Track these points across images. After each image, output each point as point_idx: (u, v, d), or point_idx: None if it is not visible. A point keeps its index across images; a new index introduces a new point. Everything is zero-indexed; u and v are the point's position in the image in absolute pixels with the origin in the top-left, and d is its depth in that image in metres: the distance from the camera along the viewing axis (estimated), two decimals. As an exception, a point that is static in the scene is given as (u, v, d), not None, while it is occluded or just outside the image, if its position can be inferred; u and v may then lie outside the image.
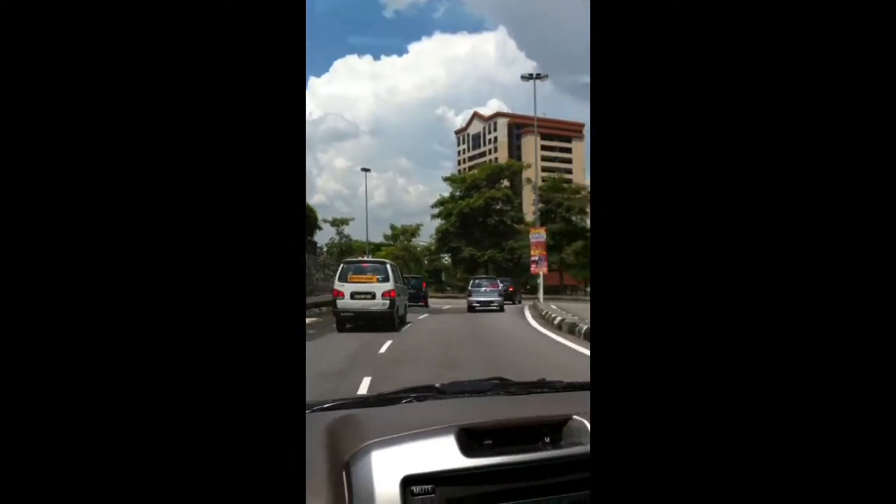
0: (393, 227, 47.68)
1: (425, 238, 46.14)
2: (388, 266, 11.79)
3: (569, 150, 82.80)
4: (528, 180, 40.35)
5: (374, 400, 1.21)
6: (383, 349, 8.85)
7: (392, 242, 46.99)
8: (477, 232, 40.08)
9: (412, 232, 44.52)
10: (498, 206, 40.43)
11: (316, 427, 0.89)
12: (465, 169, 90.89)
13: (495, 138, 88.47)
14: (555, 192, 39.89)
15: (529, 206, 41.35)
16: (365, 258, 19.03)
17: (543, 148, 62.24)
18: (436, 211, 42.83)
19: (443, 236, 41.37)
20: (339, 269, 11.74)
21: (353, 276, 11.30)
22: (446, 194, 42.14)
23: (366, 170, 34.79)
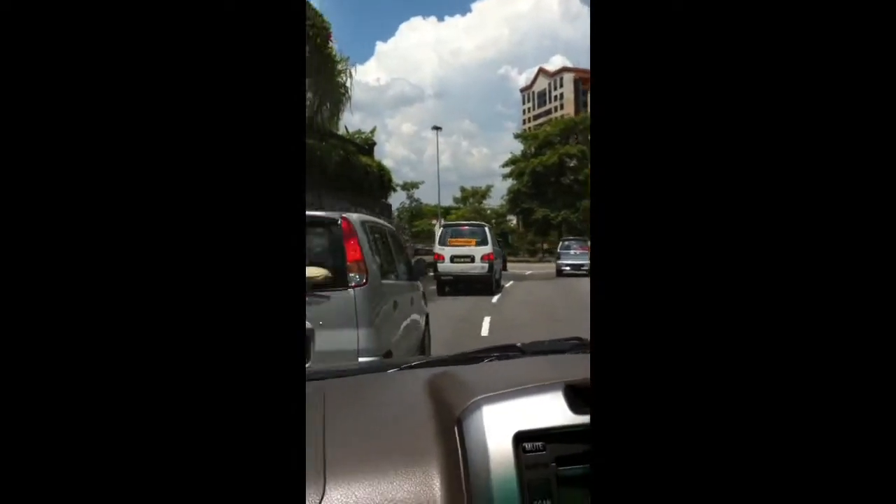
0: (462, 190, 46.21)
1: (495, 200, 44.43)
2: (486, 229, 11.45)
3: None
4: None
5: (460, 358, 1.23)
6: (485, 330, 7.61)
7: (461, 205, 45.56)
8: (550, 191, 37.94)
9: (482, 194, 42.80)
10: (572, 164, 37.98)
11: (414, 384, 0.97)
12: (530, 128, 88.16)
13: (561, 94, 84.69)
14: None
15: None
16: (463, 221, 18.37)
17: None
18: (506, 171, 40.91)
19: (514, 197, 39.44)
20: (439, 232, 11.62)
21: (453, 239, 11.11)
22: (511, 154, 40.17)
23: (437, 128, 33.11)
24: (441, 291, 10.82)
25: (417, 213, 39.66)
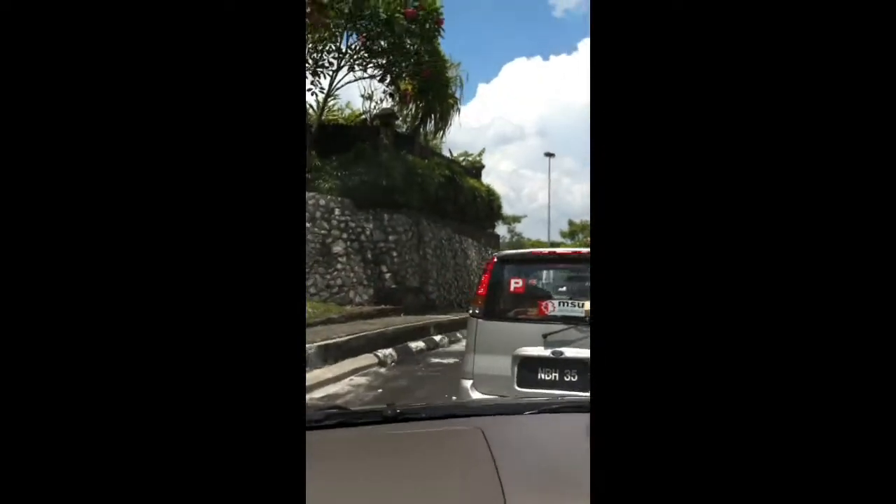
0: (571, 224, 41.77)
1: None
2: None
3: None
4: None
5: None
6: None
7: (569, 240, 41.11)
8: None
9: (598, 226, 38.21)
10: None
11: (574, 428, 0.99)
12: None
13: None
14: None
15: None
16: None
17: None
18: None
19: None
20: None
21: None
22: None
23: (549, 154, 29.46)
24: None
25: (520, 248, 35.78)
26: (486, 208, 18.35)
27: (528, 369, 2.80)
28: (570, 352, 2.72)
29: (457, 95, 16.14)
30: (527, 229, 38.62)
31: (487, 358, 2.85)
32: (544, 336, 2.77)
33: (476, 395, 2.80)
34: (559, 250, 3.93)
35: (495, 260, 3.10)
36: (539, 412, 1.19)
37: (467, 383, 2.91)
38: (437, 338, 9.42)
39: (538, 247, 39.62)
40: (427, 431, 1.10)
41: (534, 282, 3.10)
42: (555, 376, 2.74)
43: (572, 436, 0.97)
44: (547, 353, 2.76)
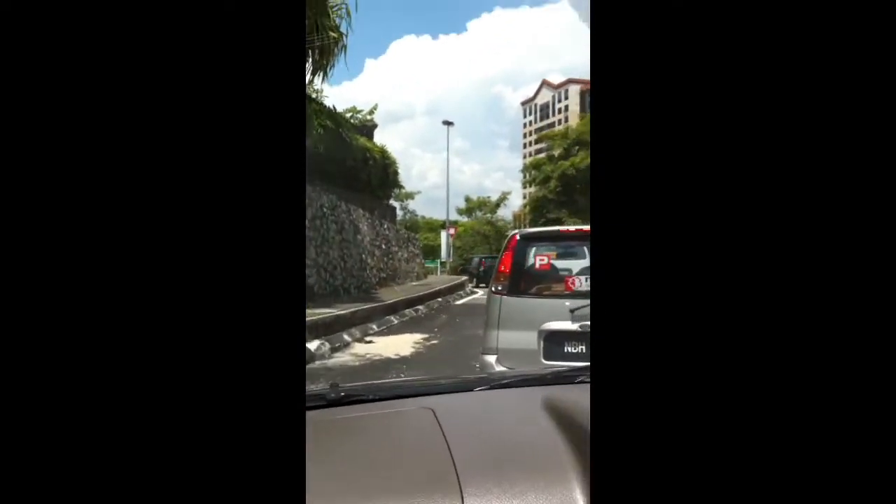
0: (468, 200, 39.38)
1: (507, 211, 37.67)
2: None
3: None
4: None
5: (552, 378, 1.24)
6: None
7: (467, 217, 38.78)
8: (582, 200, 31.14)
9: (499, 201, 35.89)
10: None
11: (527, 403, 0.98)
12: (531, 142, 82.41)
13: (566, 107, 78.69)
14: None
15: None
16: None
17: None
18: (526, 177, 34.16)
19: (538, 206, 32.60)
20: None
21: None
22: (501, 174, 33.39)
23: (448, 123, 26.42)
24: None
25: (413, 226, 32.99)
26: (381, 174, 14.92)
27: (554, 343, 2.91)
28: None
29: (342, 30, 12.47)
30: (419, 207, 35.52)
31: (512, 333, 2.93)
32: (571, 311, 2.85)
33: (501, 369, 2.83)
34: (583, 227, 3.64)
35: (517, 238, 3.13)
36: (490, 388, 1.16)
37: (491, 358, 2.96)
38: (313, 346, 6.05)
39: (433, 225, 37.27)
40: (375, 413, 1.06)
41: (560, 258, 3.18)
42: (581, 349, 2.86)
43: (525, 410, 0.96)
44: (574, 326, 2.86)
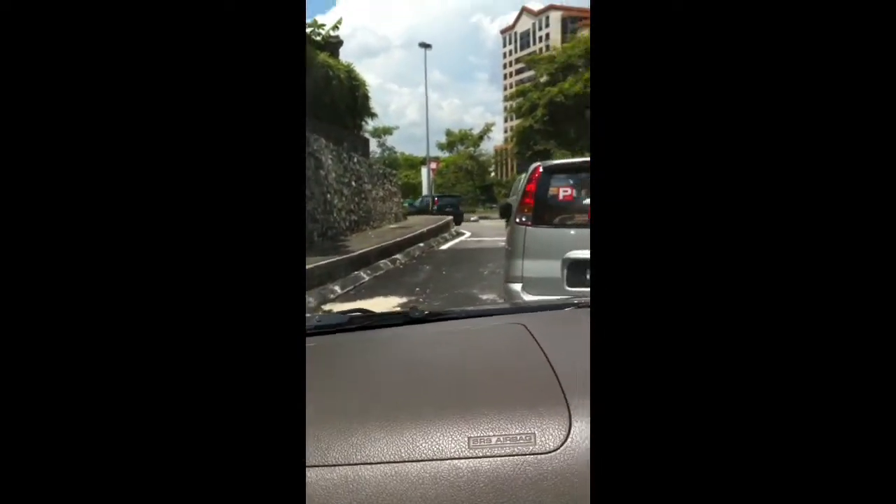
0: (449, 133, 36.69)
1: (489, 144, 35.24)
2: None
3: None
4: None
5: (545, 305, 1.22)
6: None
7: (448, 152, 36.27)
8: (572, 129, 28.81)
9: (482, 134, 33.31)
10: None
11: (518, 332, 0.93)
12: (511, 73, 78.52)
13: (547, 35, 74.41)
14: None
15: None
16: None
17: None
18: (510, 105, 31.50)
19: (524, 137, 30.19)
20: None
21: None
22: (479, 110, 30.74)
23: (425, 45, 23.58)
24: None
25: (392, 163, 30.59)
26: (348, 98, 12.50)
27: (578, 271, 2.94)
28: None
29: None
30: (398, 144, 32.98)
31: (537, 262, 2.99)
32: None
33: (527, 297, 2.95)
34: None
35: (541, 170, 3.13)
36: (577, 307, 1.12)
37: (517, 286, 3.02)
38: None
39: (413, 161, 34.90)
40: (465, 328, 1.04)
41: (582, 189, 3.09)
42: None
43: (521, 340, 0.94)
44: None
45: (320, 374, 0.77)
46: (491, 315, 1.12)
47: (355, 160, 11.80)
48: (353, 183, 11.45)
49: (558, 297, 1.28)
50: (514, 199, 14.99)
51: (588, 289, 2.29)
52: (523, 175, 17.11)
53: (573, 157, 27.92)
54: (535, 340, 0.84)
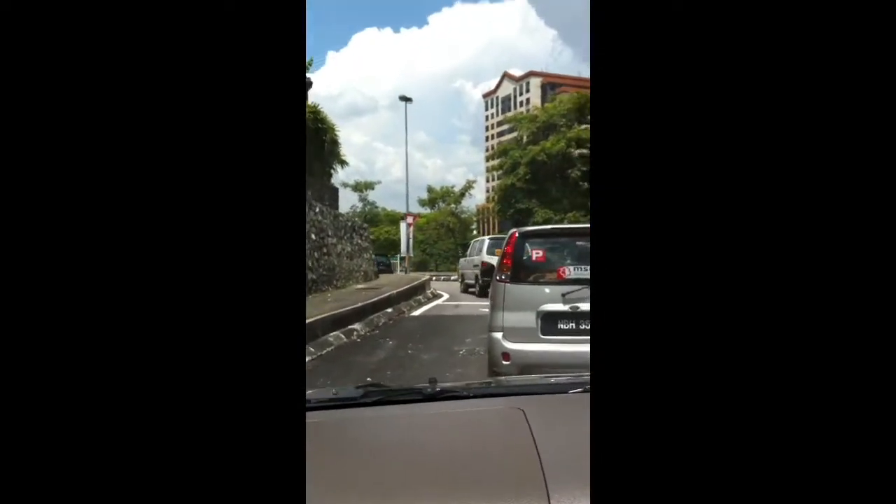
0: (430, 190, 35.76)
1: (470, 201, 34.34)
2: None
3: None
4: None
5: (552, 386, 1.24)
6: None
7: (429, 208, 35.21)
8: (554, 188, 27.96)
9: (463, 191, 32.33)
10: (582, 152, 28.05)
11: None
12: (493, 136, 79.46)
13: (527, 100, 75.86)
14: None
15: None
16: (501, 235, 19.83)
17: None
18: (491, 164, 30.75)
19: (506, 195, 29.21)
20: (485, 243, 12.84)
21: (498, 250, 11.68)
22: (462, 170, 30.16)
23: (405, 99, 22.78)
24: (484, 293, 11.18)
25: (372, 219, 29.29)
26: (313, 140, 11.18)
27: (549, 322, 3.43)
28: (584, 306, 3.39)
29: None
30: (380, 199, 32.05)
31: (515, 314, 3.44)
32: (563, 295, 3.40)
33: (507, 344, 3.40)
34: (574, 226, 5.16)
35: (517, 235, 3.61)
36: (584, 391, 1.11)
37: (498, 335, 3.46)
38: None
39: (395, 217, 33.91)
40: (466, 410, 1.08)
41: (553, 251, 3.65)
42: (572, 326, 3.43)
43: None
44: (566, 308, 3.41)
45: (323, 451, 0.79)
46: (498, 396, 1.18)
47: (318, 210, 10.32)
48: (314, 236, 9.90)
49: (568, 376, 1.25)
50: (466, 262, 13.54)
51: (559, 337, 3.16)
52: (475, 241, 13.94)
53: (554, 215, 26.97)
54: (529, 427, 0.86)
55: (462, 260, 15.46)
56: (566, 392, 1.13)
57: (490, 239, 13.28)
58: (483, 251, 12.69)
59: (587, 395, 1.02)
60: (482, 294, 12.13)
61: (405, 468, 0.76)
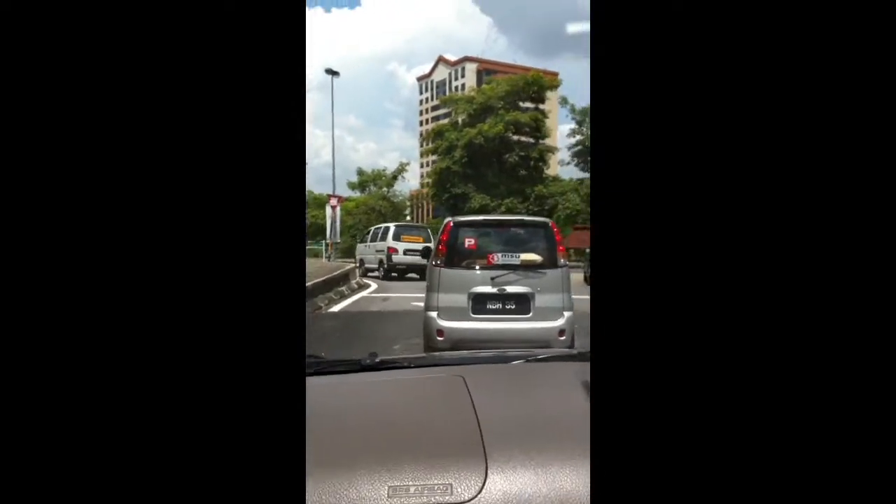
0: (360, 173, 33.85)
1: (404, 186, 32.86)
2: (428, 230, 14.36)
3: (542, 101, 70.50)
4: (565, 100, 27.06)
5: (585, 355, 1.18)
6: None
7: (359, 191, 33.36)
8: (491, 173, 26.90)
9: (395, 174, 30.66)
10: (521, 138, 27.13)
11: (561, 376, 1.02)
12: (427, 120, 78.00)
13: (463, 85, 74.75)
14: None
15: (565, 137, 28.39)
16: (411, 223, 22.06)
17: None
18: (425, 148, 29.31)
19: (441, 178, 27.85)
20: (392, 230, 13.85)
21: (405, 236, 13.70)
22: (395, 155, 28.79)
23: (332, 72, 20.87)
24: (388, 277, 13.35)
25: (303, 202, 27.07)
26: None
27: (479, 302, 3.93)
28: (510, 288, 3.93)
29: None
30: (309, 184, 29.92)
31: (448, 295, 3.91)
32: (492, 278, 3.92)
33: (441, 321, 3.85)
34: (502, 217, 6.17)
35: (451, 224, 4.10)
36: (526, 361, 1.14)
37: (433, 314, 3.91)
38: None
39: (322, 201, 31.96)
40: (406, 378, 1.06)
41: (483, 239, 4.14)
42: (499, 306, 3.94)
43: (560, 385, 0.94)
44: (494, 290, 3.93)
45: None
46: (440, 365, 1.14)
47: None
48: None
49: (516, 352, 1.21)
50: (367, 248, 15.02)
51: (488, 315, 3.92)
52: (375, 228, 15.49)
53: (491, 201, 26.01)
54: (469, 393, 0.85)
55: (361, 245, 15.70)
56: (508, 363, 1.14)
57: (395, 226, 14.29)
58: (389, 238, 13.66)
59: (528, 365, 1.10)
60: (386, 278, 13.23)
61: (343, 435, 0.76)
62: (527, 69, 39.44)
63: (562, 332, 3.90)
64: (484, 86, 32.62)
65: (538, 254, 4.09)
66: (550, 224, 4.25)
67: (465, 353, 1.42)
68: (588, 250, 17.22)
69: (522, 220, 4.62)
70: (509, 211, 24.48)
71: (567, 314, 3.96)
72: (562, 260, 4.10)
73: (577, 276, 17.04)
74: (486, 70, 69.18)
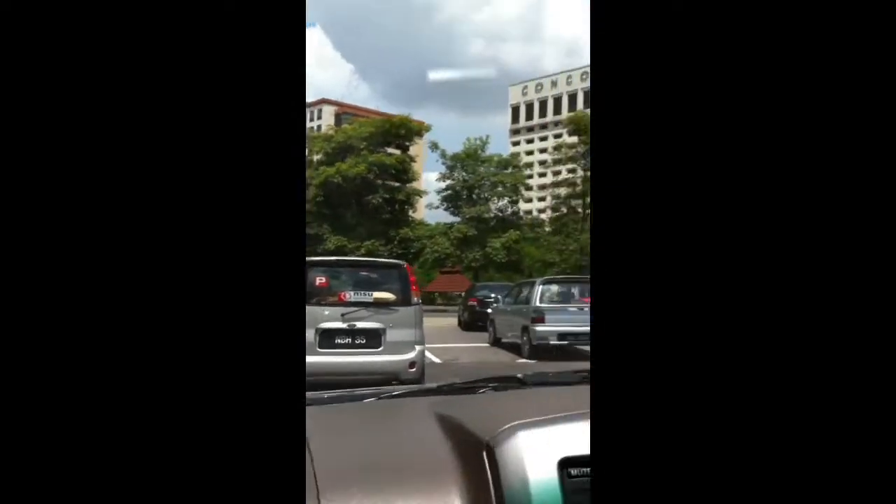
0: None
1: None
2: None
3: (406, 148, 71.21)
4: (435, 145, 26.60)
5: (447, 389, 1.18)
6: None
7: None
8: (349, 214, 25.22)
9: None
10: (384, 181, 25.93)
11: (417, 411, 0.95)
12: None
13: (319, 126, 73.15)
14: (473, 163, 26.32)
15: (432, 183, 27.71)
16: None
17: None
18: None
19: (294, 219, 25.43)
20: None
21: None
22: None
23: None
24: None
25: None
26: None
27: (327, 337, 4.39)
28: (361, 324, 4.41)
29: None
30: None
31: None
32: (342, 315, 4.39)
33: None
34: (356, 259, 6.57)
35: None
36: (378, 398, 1.13)
37: None
38: None
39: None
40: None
41: (335, 279, 4.66)
42: (348, 340, 4.38)
43: (414, 421, 0.93)
44: (344, 325, 4.39)
45: None
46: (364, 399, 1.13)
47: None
48: None
49: (370, 389, 1.20)
50: None
51: (336, 350, 4.49)
52: None
53: (349, 243, 24.32)
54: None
55: None
56: (360, 401, 1.12)
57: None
58: None
59: (380, 402, 1.09)
60: None
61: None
62: (389, 116, 38.58)
63: (412, 364, 4.41)
64: (345, 125, 31.27)
65: (392, 293, 4.63)
66: (405, 266, 4.94)
67: (309, 393, 1.21)
68: (461, 294, 16.40)
69: (376, 261, 5.84)
70: (370, 253, 23.04)
71: (418, 348, 4.52)
72: (415, 298, 4.70)
73: (451, 321, 14.04)
74: (346, 113, 68.32)
